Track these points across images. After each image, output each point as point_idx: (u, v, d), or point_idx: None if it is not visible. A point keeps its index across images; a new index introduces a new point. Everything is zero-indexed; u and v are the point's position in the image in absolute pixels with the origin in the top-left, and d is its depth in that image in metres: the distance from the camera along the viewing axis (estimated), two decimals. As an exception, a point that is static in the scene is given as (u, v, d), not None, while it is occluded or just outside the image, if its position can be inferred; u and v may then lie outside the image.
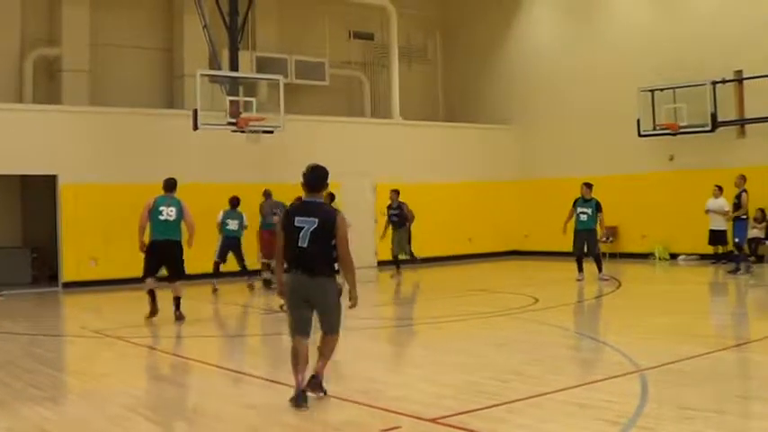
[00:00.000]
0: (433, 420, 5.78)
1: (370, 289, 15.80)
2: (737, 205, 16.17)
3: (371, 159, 20.09)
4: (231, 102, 16.50)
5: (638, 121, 19.19)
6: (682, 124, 18.51)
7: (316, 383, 6.48)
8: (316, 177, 6.52)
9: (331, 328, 6.52)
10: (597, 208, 15.38)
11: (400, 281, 16.96)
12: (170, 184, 11.81)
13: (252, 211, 16.14)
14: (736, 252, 16.31)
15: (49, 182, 16.67)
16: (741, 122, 18.23)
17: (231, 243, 15.53)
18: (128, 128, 17.28)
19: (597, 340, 9.77)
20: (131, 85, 19.02)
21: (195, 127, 15.98)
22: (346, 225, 6.47)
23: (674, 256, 19.21)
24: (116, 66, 19.11)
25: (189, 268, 11.93)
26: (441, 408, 6.13)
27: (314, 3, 21.78)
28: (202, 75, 16.34)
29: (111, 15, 19.14)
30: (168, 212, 11.46)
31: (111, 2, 19.15)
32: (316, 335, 6.62)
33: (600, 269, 15.47)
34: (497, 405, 6.22)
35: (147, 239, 11.48)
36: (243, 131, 16.54)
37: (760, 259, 17.21)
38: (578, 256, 15.54)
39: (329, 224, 6.33)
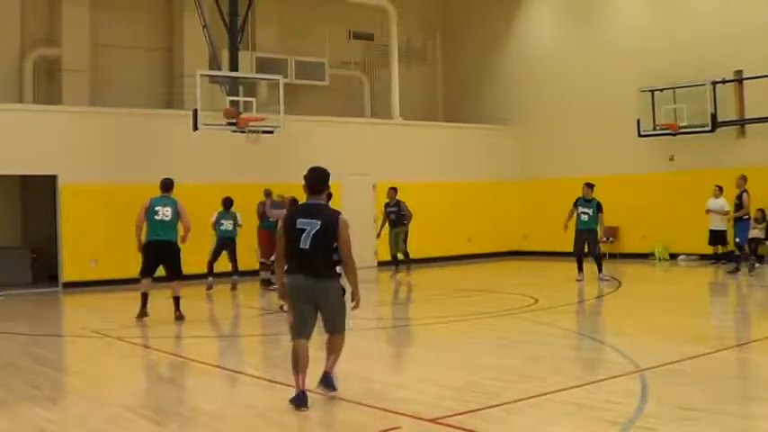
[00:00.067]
0: (433, 420, 5.78)
1: (370, 289, 15.78)
2: (739, 206, 16.18)
3: (371, 159, 20.10)
4: (231, 102, 16.49)
5: (638, 121, 19.19)
6: (682, 124, 18.51)
7: (328, 381, 6.51)
8: (317, 179, 6.52)
9: (335, 328, 6.53)
10: (598, 208, 15.38)
11: (400, 280, 16.95)
12: (166, 185, 11.84)
13: (251, 210, 16.13)
14: (737, 252, 16.32)
15: (49, 182, 16.66)
16: (741, 122, 18.23)
17: (226, 244, 15.53)
18: (128, 128, 17.28)
19: (597, 340, 9.77)
20: (131, 86, 19.00)
21: (195, 127, 15.97)
22: (348, 227, 6.47)
23: (673, 257, 19.21)
24: (116, 66, 19.11)
25: (186, 268, 11.95)
26: (441, 408, 6.13)
27: (314, 3, 21.77)
28: (202, 75, 16.33)
29: (111, 15, 19.14)
30: (164, 213, 11.48)
31: (111, 2, 19.15)
32: (320, 336, 6.63)
33: (600, 269, 15.47)
34: (497, 405, 6.22)
35: (144, 239, 11.52)
36: (243, 132, 16.53)
37: (760, 259, 17.20)
38: (578, 255, 15.53)
39: (331, 226, 6.33)
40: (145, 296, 11.56)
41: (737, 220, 16.21)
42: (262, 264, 15.92)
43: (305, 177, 6.55)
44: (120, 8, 19.25)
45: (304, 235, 6.31)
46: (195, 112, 15.89)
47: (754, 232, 16.74)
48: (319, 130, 19.34)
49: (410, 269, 17.58)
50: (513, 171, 22.69)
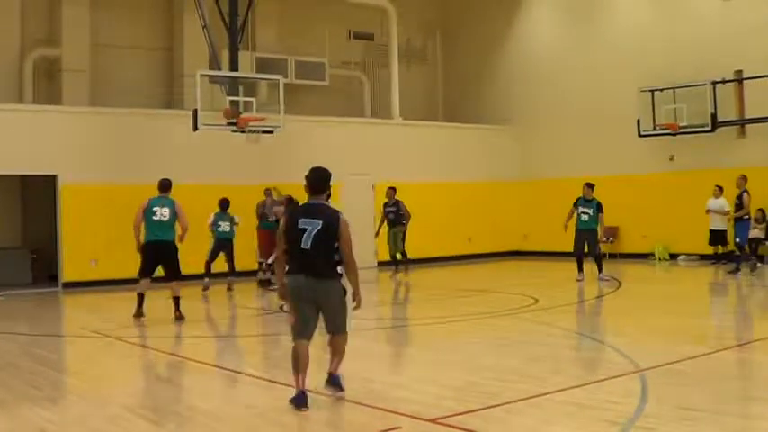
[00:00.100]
0: (433, 420, 5.78)
1: (371, 289, 15.78)
2: (739, 206, 16.19)
3: (371, 159, 20.10)
4: (231, 102, 16.50)
5: (638, 121, 19.19)
6: (682, 124, 18.51)
7: (335, 382, 6.52)
8: (318, 179, 6.52)
9: (337, 329, 6.52)
10: (598, 209, 15.38)
11: (400, 280, 16.95)
12: (164, 185, 11.85)
13: (251, 211, 16.13)
14: (737, 252, 16.32)
15: (49, 182, 16.66)
16: (741, 122, 18.23)
17: (223, 245, 15.51)
18: (127, 128, 17.28)
19: (597, 340, 9.76)
20: (131, 86, 19.00)
21: (195, 127, 15.97)
22: (349, 227, 6.47)
23: (673, 257, 19.21)
24: (116, 66, 19.11)
25: (184, 268, 11.94)
26: (441, 408, 6.13)
27: (314, 3, 21.77)
28: (202, 75, 16.33)
29: (111, 15, 19.14)
30: (162, 213, 11.50)
31: (111, 2, 19.15)
32: (321, 337, 6.63)
33: (600, 269, 15.47)
34: (497, 405, 6.22)
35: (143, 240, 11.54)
36: (243, 132, 16.53)
37: (760, 259, 17.19)
38: (579, 255, 15.53)
39: (333, 226, 6.33)
40: (141, 296, 11.59)
41: (738, 221, 16.21)
42: (260, 264, 15.91)
43: (306, 177, 6.55)
44: (120, 8, 19.25)
45: (305, 235, 6.30)
46: (195, 112, 15.89)
47: (755, 232, 16.74)
48: (319, 131, 19.34)
49: (408, 269, 17.56)
50: (512, 171, 22.68)
